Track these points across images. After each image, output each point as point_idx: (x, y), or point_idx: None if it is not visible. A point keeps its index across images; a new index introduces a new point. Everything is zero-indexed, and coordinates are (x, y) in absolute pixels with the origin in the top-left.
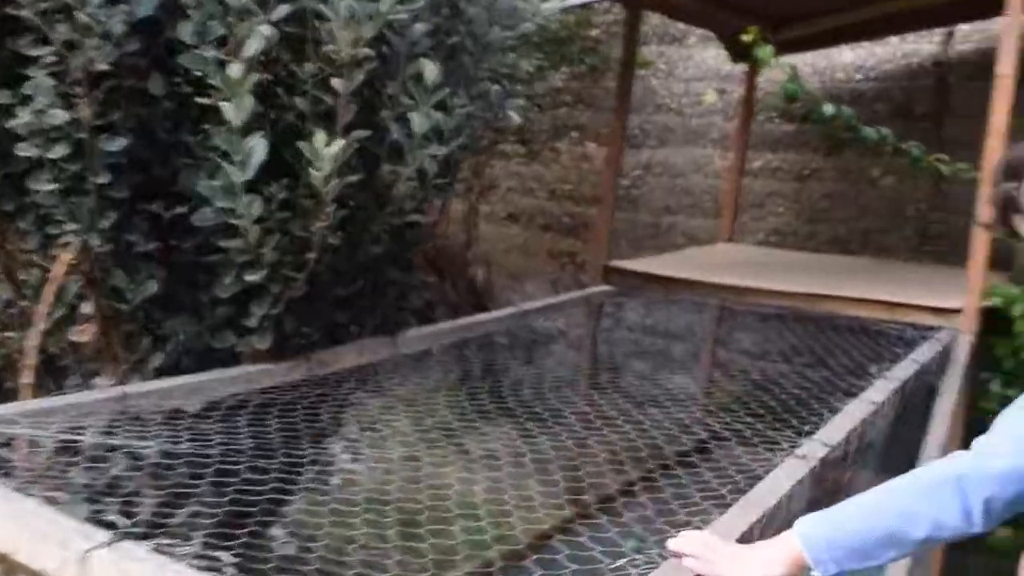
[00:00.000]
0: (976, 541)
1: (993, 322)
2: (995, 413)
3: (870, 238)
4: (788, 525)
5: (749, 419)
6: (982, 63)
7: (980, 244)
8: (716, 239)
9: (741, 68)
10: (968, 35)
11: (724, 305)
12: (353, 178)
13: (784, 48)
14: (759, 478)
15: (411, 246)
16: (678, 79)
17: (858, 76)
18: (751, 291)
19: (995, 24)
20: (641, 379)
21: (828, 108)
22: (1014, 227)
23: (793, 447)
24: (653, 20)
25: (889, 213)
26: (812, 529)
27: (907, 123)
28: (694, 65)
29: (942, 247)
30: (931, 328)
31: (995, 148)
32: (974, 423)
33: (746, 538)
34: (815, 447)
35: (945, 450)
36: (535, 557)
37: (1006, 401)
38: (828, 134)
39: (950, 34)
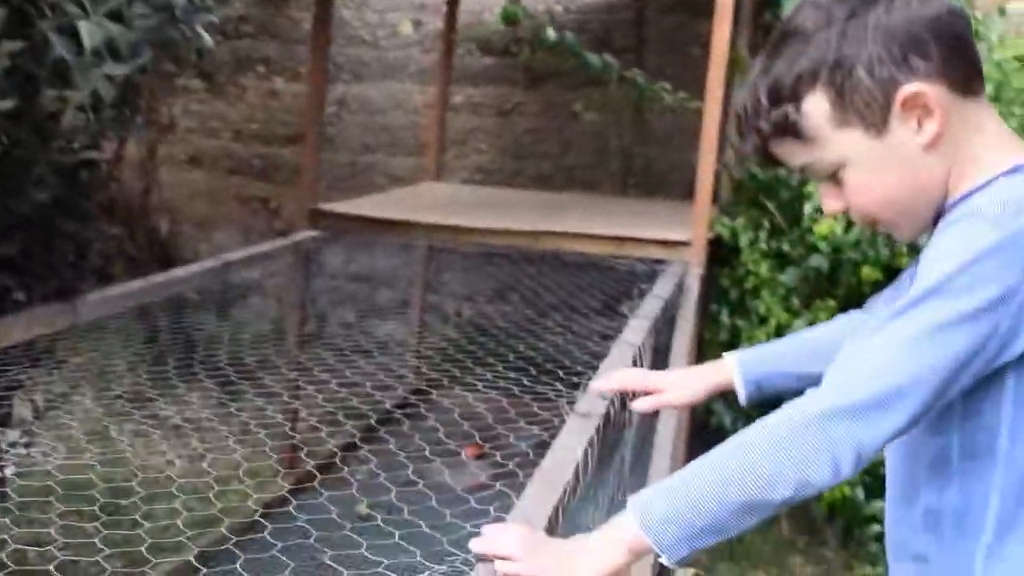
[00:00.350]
0: None
1: (716, 254)
2: (723, 343)
3: (575, 174)
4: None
5: (511, 373)
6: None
7: (706, 175)
8: (418, 179)
9: None
10: None
11: (446, 247)
12: (5, 105)
13: None
14: (534, 435)
15: (87, 191)
16: (371, 9)
17: (558, 8)
18: (472, 231)
19: None
20: (368, 330)
21: (551, 33)
22: (777, 155)
23: (569, 402)
24: None
25: (593, 148)
26: (651, 509)
27: (607, 55)
28: None
29: (647, 180)
30: (660, 262)
31: (718, 78)
32: (704, 353)
33: (553, 522)
34: (595, 402)
35: None
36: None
37: (735, 330)
38: (529, 65)
39: None
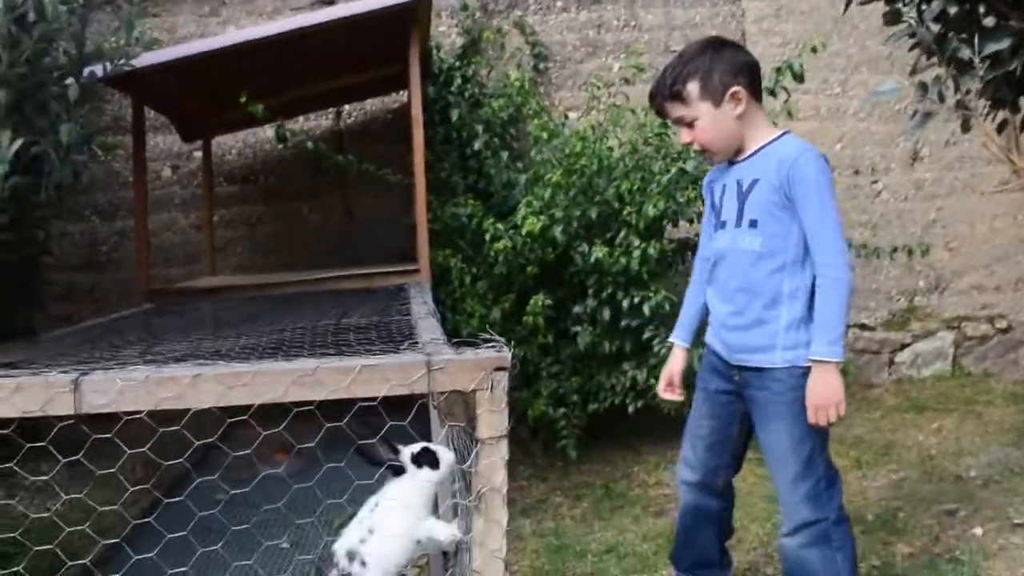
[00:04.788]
0: None
1: (434, 276)
2: (446, 330)
3: (310, 259)
4: None
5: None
6: (364, 130)
7: (422, 226)
8: (197, 276)
9: (189, 147)
10: (350, 113)
11: (265, 295)
12: None
13: (222, 128)
14: None
15: None
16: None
17: (280, 146)
18: (273, 284)
19: (368, 103)
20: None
21: (310, 144)
22: (665, 110)
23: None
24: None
25: (318, 238)
26: (827, 345)
27: (315, 175)
28: (149, 148)
29: (357, 257)
30: (404, 285)
31: (420, 163)
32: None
33: None
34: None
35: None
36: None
37: (455, 322)
38: (266, 187)
39: (339, 113)
